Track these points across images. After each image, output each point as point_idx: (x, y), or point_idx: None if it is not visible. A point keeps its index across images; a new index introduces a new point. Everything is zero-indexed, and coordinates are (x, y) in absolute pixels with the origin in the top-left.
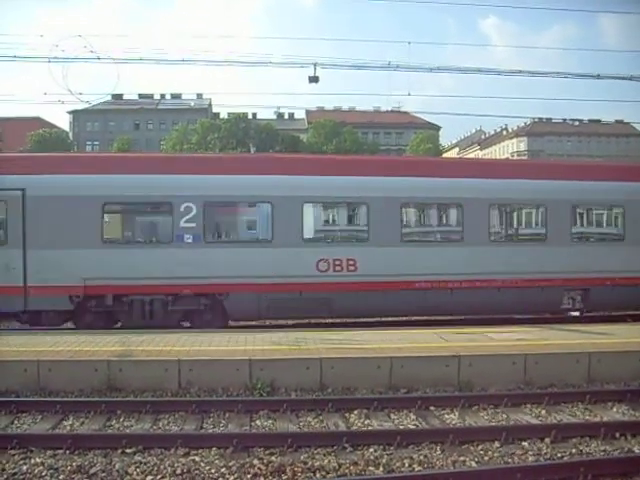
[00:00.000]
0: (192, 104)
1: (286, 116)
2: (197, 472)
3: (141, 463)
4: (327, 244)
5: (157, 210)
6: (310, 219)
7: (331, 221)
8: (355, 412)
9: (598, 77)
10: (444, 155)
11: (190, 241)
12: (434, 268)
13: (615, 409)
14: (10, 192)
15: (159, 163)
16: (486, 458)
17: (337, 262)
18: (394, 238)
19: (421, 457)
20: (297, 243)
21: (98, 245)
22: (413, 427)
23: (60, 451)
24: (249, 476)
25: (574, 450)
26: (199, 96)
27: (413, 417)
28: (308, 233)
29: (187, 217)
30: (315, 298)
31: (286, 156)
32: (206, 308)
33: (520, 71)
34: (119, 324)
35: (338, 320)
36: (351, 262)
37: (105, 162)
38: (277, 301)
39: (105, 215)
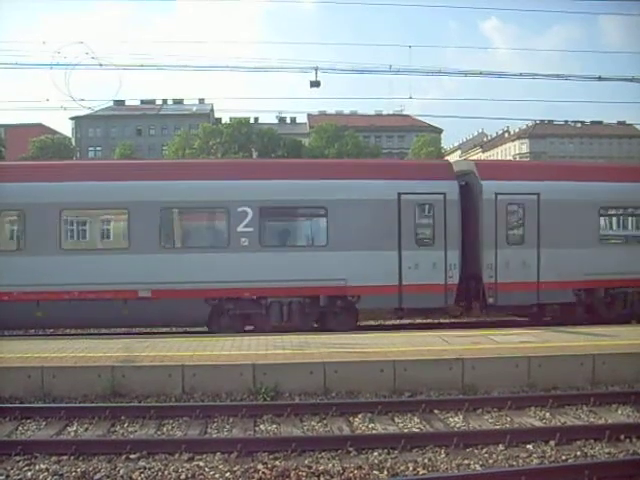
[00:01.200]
0: (194, 109)
1: (288, 120)
2: (201, 477)
3: (145, 468)
4: None
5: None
6: None
7: None
8: (359, 416)
9: (600, 79)
10: (446, 158)
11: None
12: None
13: (620, 411)
14: (526, 196)
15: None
16: (490, 461)
17: None
18: None
19: (425, 460)
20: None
21: (595, 244)
22: (417, 430)
23: (64, 457)
24: None
25: (579, 453)
26: (201, 101)
27: (417, 420)
28: None
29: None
30: None
31: None
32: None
33: (521, 74)
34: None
35: None
36: None
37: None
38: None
39: (600, 218)
